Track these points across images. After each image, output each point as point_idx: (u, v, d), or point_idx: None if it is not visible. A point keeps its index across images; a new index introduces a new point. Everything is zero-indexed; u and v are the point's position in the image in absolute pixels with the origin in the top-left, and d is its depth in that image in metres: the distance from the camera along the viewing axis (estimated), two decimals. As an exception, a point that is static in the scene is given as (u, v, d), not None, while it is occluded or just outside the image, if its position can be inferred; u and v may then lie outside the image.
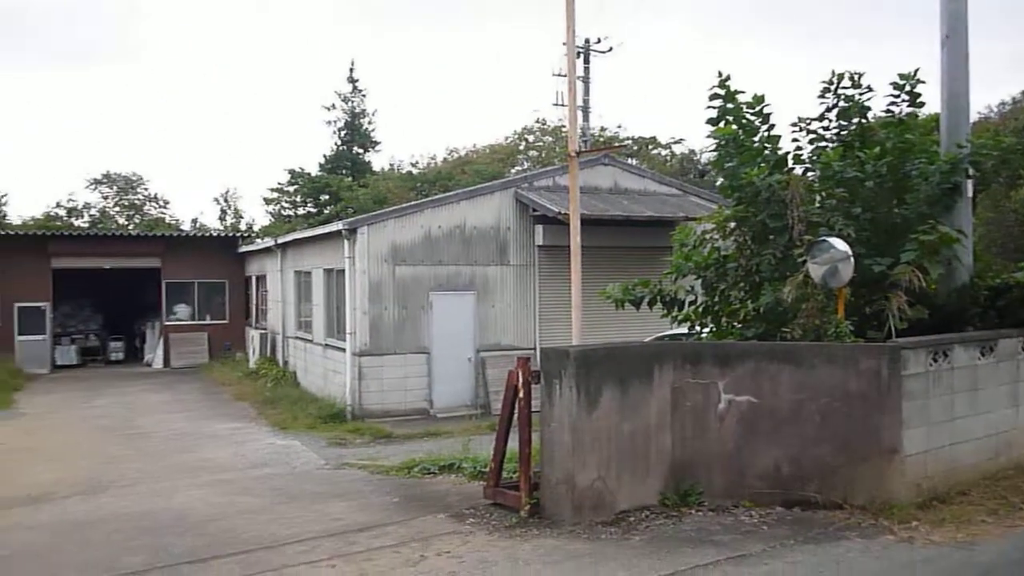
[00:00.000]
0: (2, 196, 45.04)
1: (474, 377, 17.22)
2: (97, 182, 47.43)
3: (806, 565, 6.66)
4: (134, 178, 48.29)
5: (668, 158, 41.70)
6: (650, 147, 41.79)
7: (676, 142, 42.58)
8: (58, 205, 44.89)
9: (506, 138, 43.51)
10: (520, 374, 8.28)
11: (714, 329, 10.07)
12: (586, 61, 32.79)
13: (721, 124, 9.70)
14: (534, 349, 16.93)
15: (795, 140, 9.91)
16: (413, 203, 19.08)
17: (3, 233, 27.10)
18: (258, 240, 27.46)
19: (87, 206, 45.83)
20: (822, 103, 9.74)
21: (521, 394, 8.25)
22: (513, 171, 37.67)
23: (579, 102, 30.38)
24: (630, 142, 40.34)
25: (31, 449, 13.68)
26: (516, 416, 8.37)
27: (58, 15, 76.60)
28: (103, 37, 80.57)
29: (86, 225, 41.97)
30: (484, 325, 17.39)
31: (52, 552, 7.74)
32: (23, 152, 73.80)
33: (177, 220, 46.62)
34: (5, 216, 44.59)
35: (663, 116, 73.35)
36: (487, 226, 17.50)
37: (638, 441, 8.13)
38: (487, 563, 6.88)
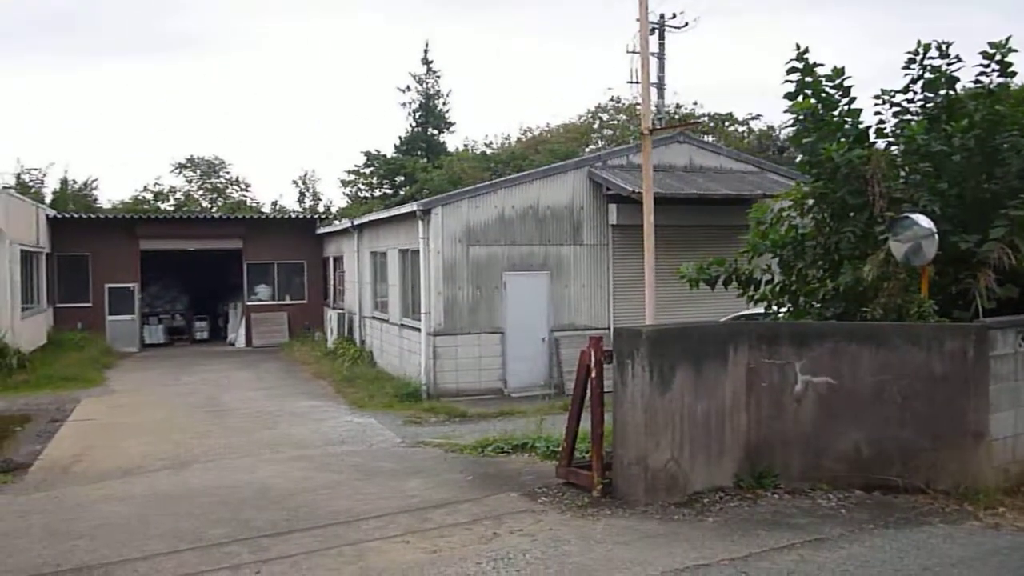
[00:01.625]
0: (93, 181, 46.65)
1: (548, 357, 17.24)
2: (182, 166, 48.75)
3: (886, 550, 6.51)
4: (217, 162, 49.49)
5: (745, 135, 40.86)
6: (727, 124, 40.99)
7: (753, 118, 41.68)
8: (145, 189, 46.28)
9: (580, 117, 43.18)
10: (593, 354, 8.25)
11: (791, 309, 9.86)
12: (661, 37, 32.32)
13: (799, 98, 9.44)
14: (607, 329, 16.85)
15: (878, 114, 9.58)
16: (487, 183, 19.15)
17: (94, 217, 28.11)
18: (335, 222, 27.91)
19: (172, 190, 47.15)
20: (907, 75, 9.39)
21: (594, 374, 8.23)
22: (587, 150, 37.41)
23: (653, 79, 30.03)
24: (706, 119, 39.64)
25: (122, 424, 14.22)
26: (589, 396, 8.36)
27: (144, 5, 78.79)
28: (189, 26, 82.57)
29: (172, 208, 43.21)
30: (558, 305, 17.38)
31: (141, 523, 8.04)
32: (113, 138, 76.33)
33: (258, 203, 47.63)
34: (96, 200, 46.20)
35: (740, 92, 71.86)
36: (561, 206, 17.44)
37: (712, 422, 8.04)
38: (559, 541, 6.91)
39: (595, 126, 42.73)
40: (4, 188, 28.35)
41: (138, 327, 26.88)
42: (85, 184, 48.71)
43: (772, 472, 8.14)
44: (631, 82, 30.38)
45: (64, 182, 48.04)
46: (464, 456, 10.81)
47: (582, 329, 16.99)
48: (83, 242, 26.00)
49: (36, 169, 47.72)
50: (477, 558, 6.59)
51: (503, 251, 17.01)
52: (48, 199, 40.83)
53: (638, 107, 33.67)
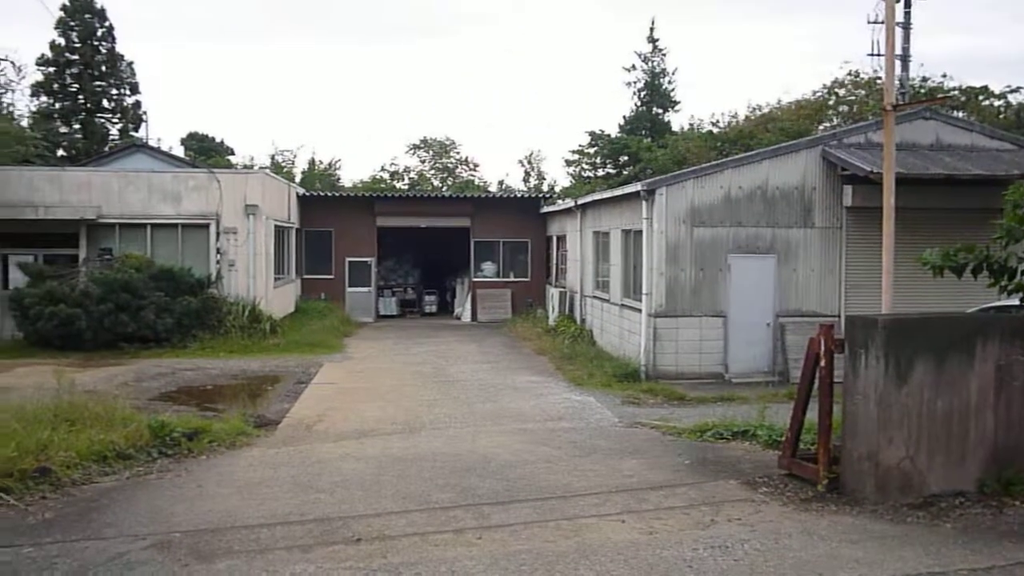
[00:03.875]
0: (337, 161, 50.09)
1: (772, 343, 16.66)
2: (415, 147, 51.31)
3: None
4: (447, 143, 51.68)
5: (1002, 109, 37.23)
6: (980, 98, 37.52)
7: (1012, 91, 37.89)
8: (382, 169, 49.20)
9: (814, 93, 41.07)
10: (823, 342, 7.91)
11: (1052, 301, 8.94)
12: (907, 5, 30.05)
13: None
14: (837, 317, 16.02)
15: None
16: (713, 163, 18.68)
17: (337, 195, 30.16)
18: (559, 201, 28.31)
19: (407, 169, 49.77)
20: None
21: (823, 363, 7.89)
22: (820, 128, 35.57)
23: (897, 51, 28.00)
24: (956, 92, 36.49)
25: (358, 389, 15.23)
26: (816, 386, 8.02)
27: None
28: (425, 11, 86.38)
29: (406, 187, 45.57)
30: (784, 289, 16.73)
31: (375, 483, 8.60)
32: (354, 121, 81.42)
33: (485, 182, 49.29)
34: (339, 179, 49.61)
35: (996, 63, 65.58)
36: (791, 186, 16.74)
37: (954, 421, 7.48)
38: (780, 535, 6.71)
39: (830, 102, 40.53)
40: (261, 168, 30.95)
41: (374, 299, 28.63)
42: (330, 164, 52.42)
43: (1022, 479, 7.46)
44: (872, 54, 28.49)
45: (312, 162, 51.96)
46: (682, 440, 10.71)
47: (810, 316, 16.26)
48: (327, 218, 28.03)
49: (288, 151, 51.96)
50: (694, 543, 6.53)
51: (728, 232, 16.58)
52: (298, 178, 44.27)
53: (879, 81, 31.55)
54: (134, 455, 9.33)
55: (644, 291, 16.58)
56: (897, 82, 24.98)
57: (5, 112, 37.99)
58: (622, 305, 18.66)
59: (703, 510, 7.43)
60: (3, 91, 41.50)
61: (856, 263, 16.57)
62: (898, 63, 28.69)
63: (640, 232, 16.91)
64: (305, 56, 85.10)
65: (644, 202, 16.54)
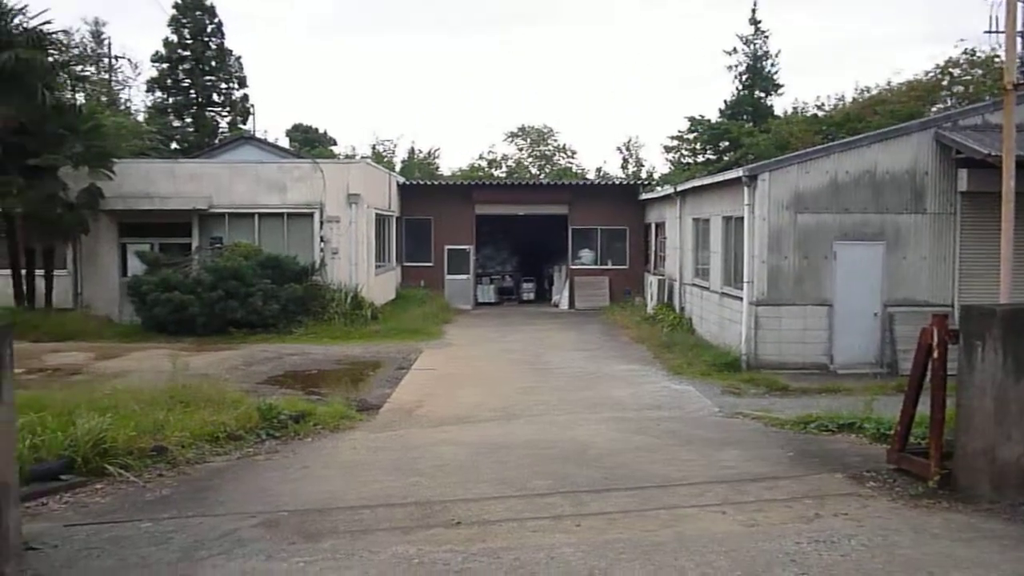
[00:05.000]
0: (436, 150, 50.77)
1: (879, 333, 16.10)
2: (513, 135, 51.53)
3: None
4: (545, 130, 51.71)
5: None
6: (1114, 74, 35.34)
7: None
8: (480, 157, 49.60)
9: (926, 73, 39.40)
10: (935, 333, 7.60)
11: None
12: (1030, -22, 28.44)
13: None
14: (951, 306, 15.35)
15: None
16: (818, 147, 18.12)
17: (436, 183, 30.55)
18: (657, 188, 27.99)
19: (504, 157, 50.05)
20: None
21: (935, 354, 7.59)
22: (933, 110, 34.11)
23: (1019, 27, 26.56)
24: (1086, 69, 34.44)
25: (457, 375, 15.42)
26: (928, 378, 7.72)
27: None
28: (520, 1, 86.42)
29: (503, 175, 45.80)
30: (893, 278, 16.12)
31: (473, 468, 8.71)
32: (453, 110, 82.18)
33: (583, 169, 49.16)
34: (438, 168, 50.26)
35: None
36: (900, 171, 16.09)
37: (1078, 416, 7.09)
38: (888, 531, 6.50)
39: (944, 83, 38.81)
40: (362, 158, 31.54)
41: (472, 286, 28.90)
42: (429, 153, 53.13)
43: None
44: (990, 31, 27.00)
45: (411, 151, 52.73)
46: (784, 431, 10.48)
47: (921, 305, 15.64)
48: (426, 206, 28.39)
49: (389, 140, 52.89)
50: (797, 537, 6.38)
51: (833, 219, 16.06)
52: (398, 167, 45.00)
53: (997, 60, 30.00)
54: (244, 436, 9.68)
55: (745, 279, 16.23)
56: (1018, 60, 23.72)
57: (123, 107, 39.80)
58: (722, 293, 18.34)
59: (806, 503, 7.26)
60: (121, 87, 43.52)
61: (971, 250, 15.83)
62: (1019, 40, 27.24)
63: (741, 219, 16.56)
64: (406, 47, 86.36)
65: (746, 188, 16.19)
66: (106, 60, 44.20)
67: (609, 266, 28.71)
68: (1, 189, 19.44)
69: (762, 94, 43.68)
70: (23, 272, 20.58)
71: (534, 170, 48.45)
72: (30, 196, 19.34)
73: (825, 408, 11.30)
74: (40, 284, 20.73)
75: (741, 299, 16.45)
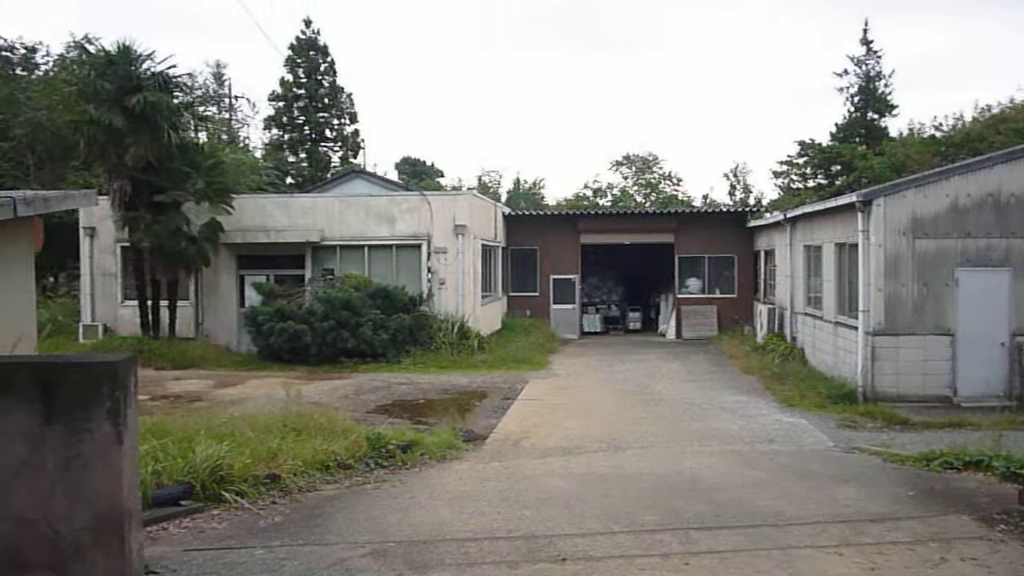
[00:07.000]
0: (540, 180, 51.12)
1: (1007, 364, 15.25)
2: (618, 163, 51.46)
3: None
4: (650, 158, 51.47)
5: None
6: None
7: None
8: (585, 186, 49.65)
9: (1055, 89, 37.55)
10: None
11: None
12: None
13: None
14: (1088, 336, 14.46)
15: None
16: (936, 170, 17.44)
17: (542, 213, 30.70)
18: (767, 214, 27.41)
19: (610, 186, 49.99)
20: None
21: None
22: (1063, 127, 32.36)
23: None
24: None
25: (563, 405, 15.35)
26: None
27: (589, 11, 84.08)
28: (625, 26, 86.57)
29: (609, 204, 45.71)
30: (1022, 305, 15.29)
31: (579, 500, 8.62)
32: (558, 139, 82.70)
33: (689, 197, 48.63)
34: (543, 198, 50.57)
35: None
36: (1028, 193, 15.30)
37: None
38: (1022, 577, 6.11)
39: (1077, 98, 36.82)
40: (469, 190, 32.00)
41: (578, 316, 28.81)
42: (534, 183, 53.56)
43: None
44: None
45: (517, 182, 53.24)
46: (905, 468, 10.01)
47: (1053, 334, 14.77)
48: (532, 236, 28.53)
49: (494, 171, 53.56)
50: (920, 582, 6.06)
51: (955, 244, 15.38)
52: (503, 198, 45.48)
53: None
54: (353, 465, 9.85)
55: (860, 308, 15.67)
56: None
57: (242, 145, 41.59)
58: (836, 323, 17.75)
59: (931, 546, 6.89)
60: (240, 126, 45.52)
61: (1110, 276, 14.90)
62: None
63: (855, 245, 16.03)
64: (510, 79, 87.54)
65: (860, 214, 15.68)
66: (227, 100, 46.41)
67: (717, 295, 28.19)
68: (131, 224, 20.57)
69: (875, 115, 42.38)
70: (149, 303, 21.60)
71: (639, 198, 48.19)
72: (157, 230, 20.38)
73: (949, 444, 10.75)
74: (164, 314, 21.71)
75: (856, 328, 15.88)
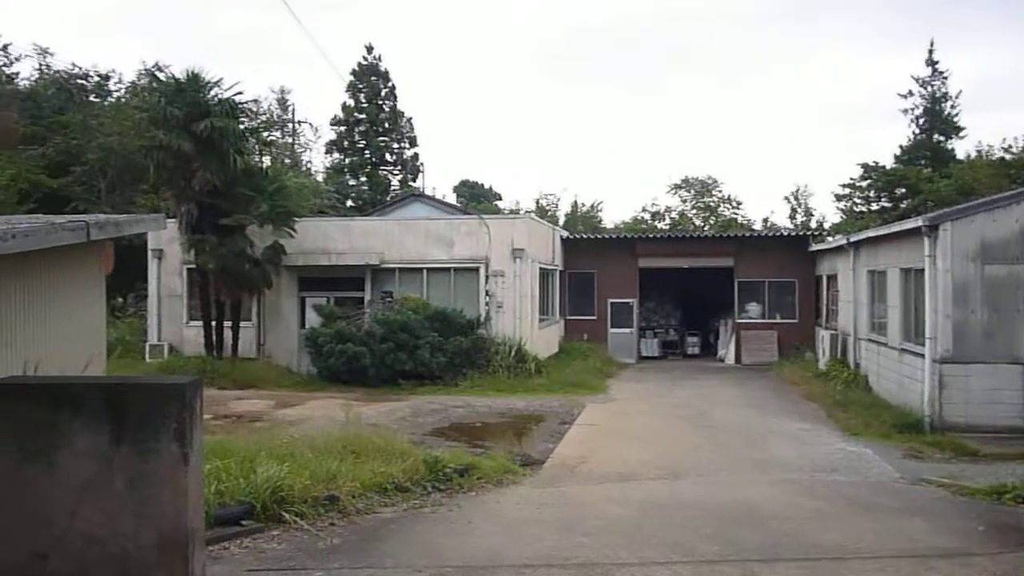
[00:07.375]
0: (598, 203, 51.11)
1: (1085, 394, 14.72)
2: (676, 187, 51.15)
3: None
4: (709, 181, 51.08)
5: None
6: None
7: None
8: (643, 210, 49.43)
9: None
10: None
11: None
12: None
13: None
14: None
15: None
16: (1007, 194, 16.96)
17: (599, 237, 30.64)
18: (829, 239, 26.95)
19: (668, 209, 49.67)
20: None
21: None
22: None
23: None
24: None
25: (620, 431, 15.23)
26: None
27: (648, 35, 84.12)
28: (684, 51, 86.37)
29: (667, 227, 45.43)
30: (1098, 334, 14.76)
31: (637, 528, 8.53)
32: (616, 163, 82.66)
33: (748, 220, 48.05)
34: (601, 221, 50.51)
35: None
36: (1104, 217, 14.81)
37: None
38: (1100, 619, 5.87)
39: None
40: (526, 213, 32.12)
41: (635, 340, 28.60)
42: (592, 207, 53.58)
43: None
44: None
45: (574, 205, 53.30)
46: (975, 501, 9.71)
47: None
48: (590, 260, 28.44)
49: (552, 194, 53.72)
50: (992, 622, 5.86)
51: (1026, 270, 14.93)
52: (561, 221, 45.54)
53: None
54: (411, 488, 9.89)
55: (927, 335, 15.28)
56: None
57: (304, 169, 42.40)
58: (901, 349, 17.34)
59: (1003, 584, 6.67)
60: (303, 150, 46.43)
61: None
62: None
63: (921, 271, 15.67)
64: (567, 102, 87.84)
65: (926, 238, 15.33)
66: (290, 125, 47.39)
67: (777, 320, 27.74)
68: (197, 246, 21.07)
69: (941, 137, 41.54)
70: (213, 323, 22.07)
71: (698, 222, 47.80)
72: (222, 253, 20.85)
73: (1022, 477, 10.39)
74: (228, 335, 22.14)
75: (923, 356, 15.48)
